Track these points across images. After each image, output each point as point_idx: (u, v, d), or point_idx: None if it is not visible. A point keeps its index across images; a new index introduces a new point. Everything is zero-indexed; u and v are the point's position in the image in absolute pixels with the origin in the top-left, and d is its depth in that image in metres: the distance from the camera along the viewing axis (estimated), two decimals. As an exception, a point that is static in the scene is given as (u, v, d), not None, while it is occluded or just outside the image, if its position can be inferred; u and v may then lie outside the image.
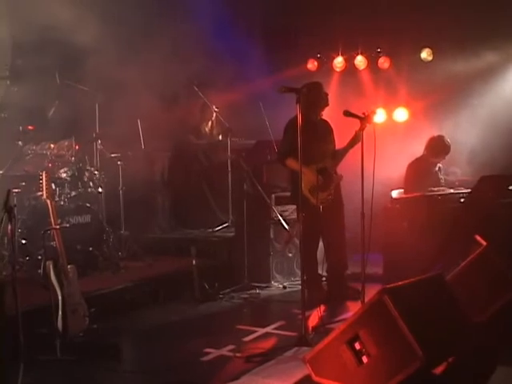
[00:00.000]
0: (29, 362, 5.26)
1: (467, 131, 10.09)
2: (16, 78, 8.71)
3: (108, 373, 5.61)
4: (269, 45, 11.29)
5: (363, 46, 11.40)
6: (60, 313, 5.93)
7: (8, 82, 8.85)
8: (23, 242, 7.72)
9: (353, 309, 6.80)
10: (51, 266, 6.04)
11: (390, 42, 10.99)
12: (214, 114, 10.90)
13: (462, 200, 8.31)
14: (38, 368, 5.51)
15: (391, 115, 11.16)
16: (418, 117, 10.85)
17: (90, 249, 8.15)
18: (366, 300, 5.48)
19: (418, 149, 9.16)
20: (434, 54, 10.95)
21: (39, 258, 7.26)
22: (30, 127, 8.76)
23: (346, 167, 7.92)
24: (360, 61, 11.49)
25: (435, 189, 8.57)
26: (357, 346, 4.84)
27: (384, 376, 4.62)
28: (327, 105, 7.91)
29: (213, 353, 6.07)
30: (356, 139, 7.38)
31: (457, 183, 9.12)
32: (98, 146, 9.40)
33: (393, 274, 7.88)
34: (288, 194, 8.23)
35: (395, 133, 10.79)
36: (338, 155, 7.82)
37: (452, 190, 8.59)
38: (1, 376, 5.12)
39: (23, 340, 5.22)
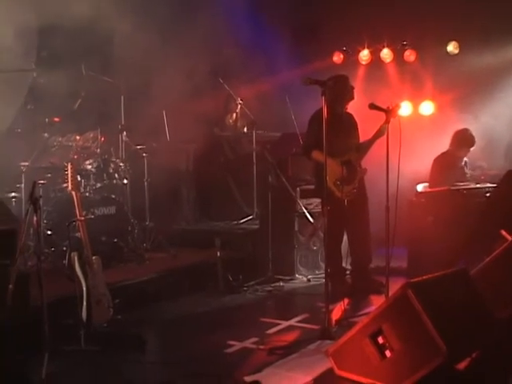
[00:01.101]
0: (53, 352, 5.30)
1: (495, 125, 10.01)
2: (42, 70, 8.76)
3: (132, 363, 5.64)
4: (294, 37, 11.27)
5: (389, 39, 11.32)
6: (84, 303, 5.97)
7: (34, 74, 8.90)
8: (48, 233, 7.78)
9: (376, 302, 6.78)
10: (76, 257, 6.08)
11: (416, 35, 10.90)
12: (239, 107, 10.91)
13: (488, 194, 8.25)
14: (63, 358, 5.55)
15: (417, 108, 11.10)
16: (444, 110, 10.77)
17: (115, 240, 8.19)
18: (390, 294, 5.46)
19: (443, 142, 9.10)
20: (460, 46, 10.86)
21: (64, 249, 7.30)
22: (55, 119, 8.82)
23: (372, 160, 7.90)
24: (386, 54, 11.43)
25: (461, 183, 8.52)
26: (380, 340, 4.84)
27: (407, 371, 4.62)
28: (352, 98, 7.89)
29: (236, 345, 6.08)
30: (380, 132, 7.36)
31: (482, 177, 9.05)
32: (124, 138, 9.44)
33: (417, 268, 7.86)
34: (313, 187, 8.23)
35: (421, 126, 10.71)
36: (363, 148, 7.81)
37: (478, 185, 8.53)
38: (26, 365, 5.16)
39: (48, 330, 5.26)
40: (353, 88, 7.94)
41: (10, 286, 4.85)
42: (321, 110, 6.47)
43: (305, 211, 8.58)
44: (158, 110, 10.11)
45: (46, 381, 5.08)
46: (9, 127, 9.10)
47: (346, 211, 7.32)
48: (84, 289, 6.01)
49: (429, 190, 8.77)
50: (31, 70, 8.79)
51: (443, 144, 9.09)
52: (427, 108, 11.07)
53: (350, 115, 7.98)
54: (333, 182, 7.32)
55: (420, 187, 8.90)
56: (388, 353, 4.78)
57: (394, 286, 5.38)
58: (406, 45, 11.26)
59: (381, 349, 4.82)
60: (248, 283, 8.29)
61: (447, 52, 10.96)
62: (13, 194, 8.18)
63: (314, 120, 7.55)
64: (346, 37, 11.44)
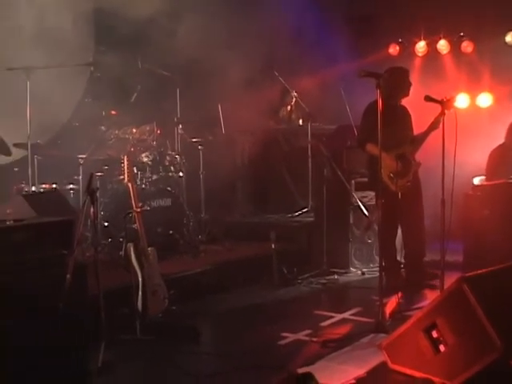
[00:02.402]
0: (109, 341, 5.39)
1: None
2: (99, 64, 8.88)
3: (186, 354, 5.70)
4: (350, 30, 11.21)
5: (446, 30, 11.19)
6: (140, 294, 6.05)
7: (92, 68, 9.03)
8: (105, 224, 7.89)
9: (431, 296, 6.70)
10: (132, 249, 6.16)
11: (474, 26, 10.76)
12: (294, 99, 10.91)
13: (546, 188, 8.11)
14: (119, 347, 5.64)
15: (474, 100, 10.95)
16: (502, 102, 10.60)
17: (171, 232, 8.26)
18: (445, 288, 5.41)
19: (501, 135, 8.98)
20: (518, 37, 10.69)
21: (121, 240, 7.40)
22: (112, 112, 8.96)
23: (427, 153, 7.83)
24: (442, 45, 11.31)
25: (518, 176, 8.39)
26: (434, 334, 4.81)
27: (461, 365, 4.57)
28: (407, 95, 7.78)
29: (289, 337, 6.10)
30: (435, 125, 7.28)
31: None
32: (179, 131, 9.53)
33: (473, 262, 7.78)
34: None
35: (479, 118, 10.58)
36: (417, 141, 7.74)
37: (536, 178, 8.38)
38: (83, 353, 5.25)
39: (104, 319, 5.36)
40: (410, 84, 7.83)
41: (68, 276, 4.93)
42: (375, 102, 6.46)
43: (360, 204, 8.55)
44: (214, 103, 10.17)
45: (102, 369, 5.18)
46: (67, 120, 9.28)
47: (399, 204, 7.28)
48: (140, 279, 6.09)
49: (485, 183, 8.66)
50: (90, 64, 8.91)
51: (501, 136, 8.96)
52: (485, 100, 10.92)
53: (404, 108, 7.91)
54: (387, 175, 7.28)
55: (476, 180, 8.79)
56: (442, 347, 4.75)
57: (450, 280, 5.32)
58: (463, 36, 11.12)
59: (435, 343, 4.79)
60: (302, 276, 8.31)
61: (505, 42, 10.77)
62: (71, 186, 8.34)
63: (368, 112, 7.51)
64: (401, 28, 11.35)
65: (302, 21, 10.63)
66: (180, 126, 9.53)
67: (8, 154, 8.19)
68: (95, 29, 9.65)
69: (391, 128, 7.13)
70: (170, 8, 8.63)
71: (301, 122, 10.93)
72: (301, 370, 5.08)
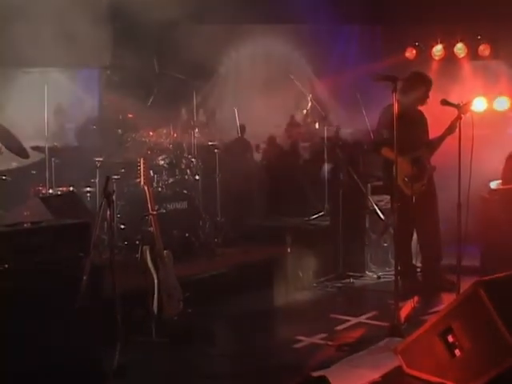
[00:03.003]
0: (125, 343, 5.40)
1: None
2: (116, 68, 8.93)
3: (201, 356, 5.72)
4: (367, 33, 11.20)
5: (463, 34, 11.17)
6: (156, 296, 6.07)
7: (108, 72, 9.08)
8: (122, 226, 7.92)
9: (447, 301, 6.66)
10: (148, 251, 6.17)
11: (491, 29, 10.73)
12: (310, 103, 10.92)
13: None
14: (134, 349, 5.65)
15: (491, 104, 10.91)
16: (520, 106, 10.58)
17: (187, 235, 8.27)
18: (461, 292, 5.39)
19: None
20: (536, 40, 10.66)
21: (137, 242, 7.41)
22: (129, 115, 8.99)
23: (444, 157, 7.79)
24: (460, 48, 11.29)
25: (535, 180, 8.34)
26: (450, 338, 4.79)
27: (477, 370, 4.55)
28: (422, 104, 7.72)
29: (305, 340, 6.10)
30: (452, 129, 7.25)
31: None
32: (196, 134, 9.55)
33: (490, 266, 7.71)
34: (384, 183, 8.17)
35: (496, 122, 10.54)
36: (433, 145, 7.70)
37: (554, 182, 8.34)
38: (98, 354, 5.29)
39: (120, 321, 5.38)
40: (427, 96, 7.73)
41: (84, 278, 4.97)
42: (390, 106, 6.44)
43: (376, 208, 8.53)
44: (230, 107, 10.20)
45: (117, 370, 5.20)
46: (84, 123, 9.33)
47: (414, 208, 7.25)
48: (155, 282, 6.11)
49: (502, 186, 8.61)
50: (107, 67, 8.96)
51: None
52: (502, 103, 10.88)
53: (420, 111, 7.86)
54: (401, 179, 7.23)
55: (493, 184, 8.74)
56: (458, 352, 4.73)
57: (466, 284, 5.28)
58: (480, 39, 11.09)
59: (450, 347, 4.77)
60: (318, 279, 8.30)
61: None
62: (87, 189, 8.37)
63: (384, 116, 7.49)
64: (418, 32, 11.33)
65: (319, 24, 10.64)
66: (196, 130, 9.55)
67: (26, 156, 8.24)
68: (113, 32, 9.68)
69: (407, 132, 7.09)
70: (186, 12, 8.66)
71: (317, 125, 10.94)
72: (315, 374, 5.08)
